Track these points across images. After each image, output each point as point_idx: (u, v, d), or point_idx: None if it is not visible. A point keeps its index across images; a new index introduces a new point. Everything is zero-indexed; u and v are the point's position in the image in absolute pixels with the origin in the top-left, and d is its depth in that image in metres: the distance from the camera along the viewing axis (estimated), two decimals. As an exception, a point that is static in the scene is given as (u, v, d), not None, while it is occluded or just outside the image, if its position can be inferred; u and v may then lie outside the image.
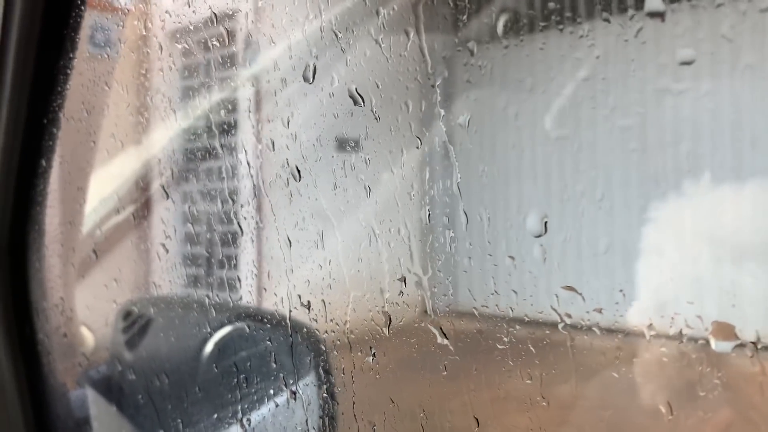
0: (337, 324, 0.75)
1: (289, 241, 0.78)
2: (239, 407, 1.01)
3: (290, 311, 0.79)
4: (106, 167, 1.19)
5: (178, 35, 0.92)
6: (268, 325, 0.93)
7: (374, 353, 0.72)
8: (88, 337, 1.51)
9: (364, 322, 0.72)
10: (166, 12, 0.89)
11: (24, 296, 1.31)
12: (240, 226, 0.91)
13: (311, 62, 0.68)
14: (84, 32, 1.02)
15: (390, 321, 0.70)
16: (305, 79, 0.64)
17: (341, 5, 0.65)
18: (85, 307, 1.41)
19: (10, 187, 1.16)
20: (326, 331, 0.77)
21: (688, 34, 0.47)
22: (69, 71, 1.02)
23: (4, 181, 1.15)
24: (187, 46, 0.93)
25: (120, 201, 1.28)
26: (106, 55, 1.07)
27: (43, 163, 1.15)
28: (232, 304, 1.06)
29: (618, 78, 0.50)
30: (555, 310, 0.56)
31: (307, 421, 0.84)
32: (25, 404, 1.37)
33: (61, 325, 1.37)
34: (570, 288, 0.53)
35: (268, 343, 0.92)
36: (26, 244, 1.26)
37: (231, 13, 0.81)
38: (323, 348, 0.83)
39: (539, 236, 0.56)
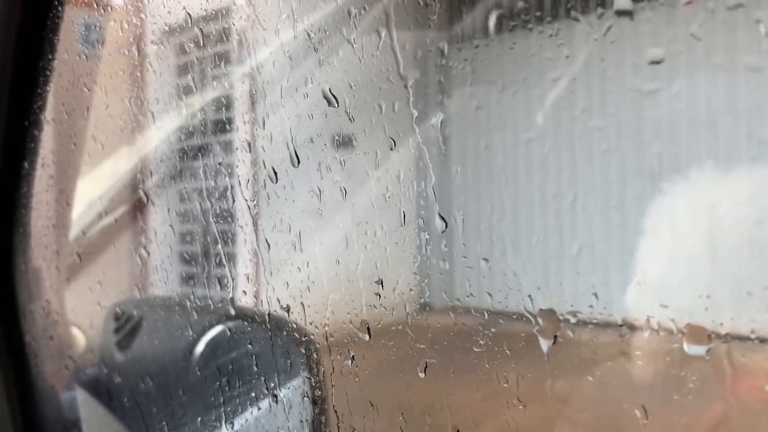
0: (316, 327, 0.74)
1: (268, 243, 0.77)
2: (226, 409, 1.01)
3: (268, 314, 0.78)
4: (91, 169, 1.18)
5: (159, 35, 0.91)
6: (250, 328, 0.93)
7: (353, 356, 0.71)
8: (79, 338, 1.51)
9: (343, 325, 0.71)
10: (149, 13, 0.88)
11: (10, 299, 1.30)
12: (221, 228, 0.91)
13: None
14: (64, 32, 1.01)
15: (368, 324, 0.69)
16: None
17: (314, 5, 0.64)
18: (74, 309, 1.40)
19: (-7, 190, 1.15)
20: (305, 335, 0.76)
21: (658, 33, 0.46)
22: (49, 72, 1.01)
23: (-13, 183, 1.14)
24: (172, 46, 0.92)
25: (106, 203, 1.27)
26: (93, 54, 1.06)
27: (26, 165, 1.14)
28: (214, 306, 1.05)
29: (589, 78, 0.50)
30: (530, 312, 0.55)
31: (288, 425, 0.83)
32: (14, 407, 1.37)
33: (49, 328, 1.36)
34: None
35: (250, 345, 0.92)
36: (11, 247, 1.25)
37: (207, 14, 0.80)
38: (306, 350, 0.82)
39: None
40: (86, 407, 1.48)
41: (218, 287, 0.93)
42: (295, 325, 0.79)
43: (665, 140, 0.48)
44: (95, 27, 1.00)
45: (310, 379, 0.83)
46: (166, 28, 0.84)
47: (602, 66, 0.49)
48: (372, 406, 0.70)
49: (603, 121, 0.49)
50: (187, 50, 0.85)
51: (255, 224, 0.78)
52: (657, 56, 0.46)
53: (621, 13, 0.47)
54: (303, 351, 0.82)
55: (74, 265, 1.29)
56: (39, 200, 1.20)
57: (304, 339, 0.81)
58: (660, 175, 0.49)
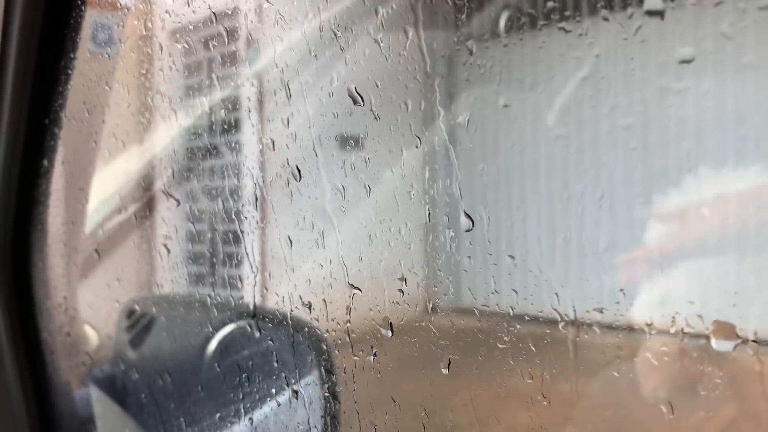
0: (338, 323, 0.75)
1: (290, 240, 0.78)
2: (241, 406, 1.01)
3: (291, 311, 0.79)
4: (108, 167, 1.20)
5: (178, 34, 0.92)
6: (271, 324, 0.93)
7: (375, 352, 0.72)
8: (91, 335, 1.52)
9: (365, 322, 0.72)
10: (167, 11, 0.89)
11: (27, 296, 1.32)
12: (241, 226, 0.91)
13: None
14: (85, 32, 1.02)
15: (391, 320, 0.70)
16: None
17: (340, 4, 0.65)
18: (89, 306, 1.41)
19: (12, 187, 1.16)
20: (327, 331, 0.77)
21: (688, 33, 0.46)
22: (70, 71, 1.02)
23: (7, 181, 1.16)
24: (187, 45, 0.93)
25: (122, 200, 1.28)
26: (106, 54, 1.07)
27: (45, 163, 1.15)
28: (234, 303, 1.06)
29: (618, 77, 0.50)
30: (555, 309, 0.56)
31: (309, 420, 0.84)
32: (30, 403, 1.38)
33: (65, 325, 1.37)
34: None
35: (270, 342, 0.92)
36: (29, 244, 1.27)
37: (231, 12, 0.81)
38: (325, 347, 0.83)
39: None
40: (100, 404, 1.49)
41: (238, 285, 0.94)
42: (310, 322, 0.80)
43: (694, 138, 0.49)
44: (118, 26, 1.01)
45: (327, 375, 0.84)
46: (190, 27, 0.85)
47: (631, 65, 0.49)
48: (394, 401, 0.71)
49: (631, 119, 0.50)
50: (210, 48, 0.85)
51: (277, 221, 0.79)
52: (687, 55, 0.46)
53: (651, 13, 0.47)
54: (319, 347, 0.83)
55: (91, 262, 1.30)
56: (57, 198, 1.21)
57: (320, 336, 0.81)
58: (688, 173, 0.49)
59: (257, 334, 0.95)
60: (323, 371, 0.85)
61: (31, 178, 1.16)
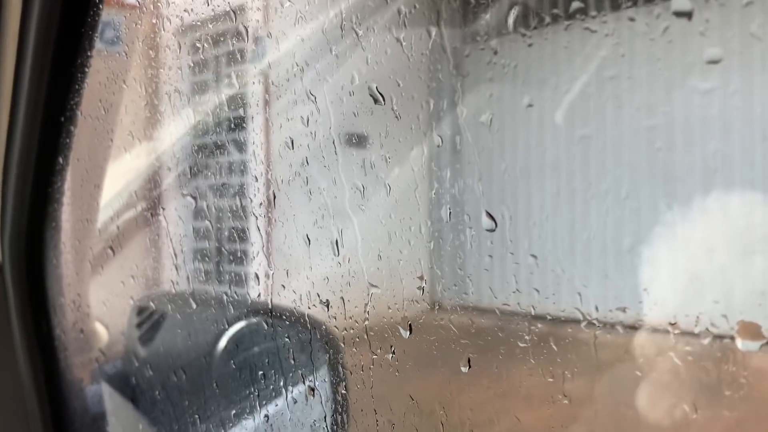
0: (356, 321, 0.75)
1: (308, 239, 0.78)
2: (252, 403, 1.02)
3: (309, 308, 0.79)
4: (123, 164, 1.20)
5: (190, 31, 0.93)
6: (281, 321, 0.94)
7: (394, 350, 0.72)
8: (101, 332, 1.53)
9: (384, 320, 0.72)
10: (185, 10, 0.89)
11: (41, 293, 1.32)
12: (255, 223, 0.92)
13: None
14: (102, 30, 1.02)
15: (410, 319, 0.70)
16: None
17: (362, 3, 0.65)
18: (101, 303, 1.42)
19: (27, 184, 1.17)
20: (345, 329, 0.77)
21: (716, 33, 0.47)
22: (87, 69, 1.03)
23: (22, 178, 1.16)
24: (199, 42, 0.93)
25: (135, 198, 1.29)
26: (123, 53, 1.08)
27: (61, 160, 1.15)
28: (245, 301, 1.07)
29: (644, 77, 0.50)
30: (578, 308, 0.56)
31: (325, 417, 0.84)
32: (42, 399, 1.39)
33: (78, 321, 1.38)
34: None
35: (281, 339, 0.93)
36: (43, 241, 1.27)
37: (246, 9, 0.81)
38: (337, 344, 0.83)
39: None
40: (111, 400, 1.50)
41: (255, 283, 0.94)
42: (331, 320, 0.80)
43: (720, 139, 0.49)
44: (135, 24, 1.01)
45: (342, 371, 0.84)
46: (210, 26, 0.85)
47: (657, 65, 0.49)
48: (412, 400, 0.71)
49: (657, 119, 0.50)
50: (231, 46, 0.86)
51: (295, 220, 0.79)
52: (714, 56, 0.46)
53: (679, 14, 0.47)
54: (334, 345, 0.83)
55: (105, 259, 1.31)
56: (72, 195, 1.21)
57: (330, 335, 0.82)
58: (714, 173, 0.49)
59: (269, 331, 0.96)
60: (335, 368, 0.85)
61: (46, 175, 1.17)
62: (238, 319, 1.10)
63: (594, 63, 0.52)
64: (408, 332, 0.71)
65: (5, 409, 1.35)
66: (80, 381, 1.46)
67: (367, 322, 0.74)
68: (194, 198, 1.04)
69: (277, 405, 0.94)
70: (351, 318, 0.76)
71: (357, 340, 0.76)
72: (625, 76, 0.51)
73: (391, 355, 0.72)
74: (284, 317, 0.91)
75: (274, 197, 0.81)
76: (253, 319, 1.08)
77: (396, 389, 0.73)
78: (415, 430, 0.71)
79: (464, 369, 0.66)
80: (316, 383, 0.86)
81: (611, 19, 0.51)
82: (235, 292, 1.03)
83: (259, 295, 0.93)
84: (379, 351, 0.73)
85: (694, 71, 0.48)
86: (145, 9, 1.10)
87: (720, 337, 0.49)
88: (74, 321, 1.38)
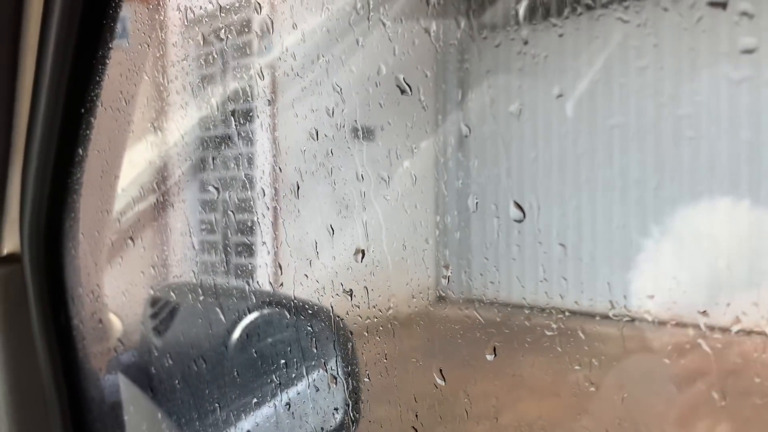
0: (379, 310, 0.76)
1: (332, 228, 0.79)
2: (267, 391, 1.03)
3: (332, 297, 0.80)
4: (140, 155, 1.21)
5: (201, 23, 0.93)
6: (302, 311, 0.95)
7: (417, 339, 0.73)
8: (116, 323, 1.54)
9: (408, 308, 0.73)
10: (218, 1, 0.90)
11: (60, 283, 1.34)
12: (277, 214, 0.92)
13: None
14: (122, 21, 1.03)
15: (435, 307, 0.71)
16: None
17: (390, -6, 0.66)
18: (119, 293, 1.43)
19: (47, 175, 1.18)
20: (368, 317, 0.78)
21: (751, 22, 0.47)
22: (107, 60, 1.03)
23: (42, 169, 1.17)
24: (209, 35, 0.94)
25: (151, 189, 1.30)
26: (138, 45, 1.08)
27: (80, 151, 1.16)
28: (264, 291, 1.07)
29: (677, 66, 0.51)
30: (606, 297, 0.56)
31: (345, 404, 0.85)
32: (60, 388, 1.40)
33: (96, 312, 1.39)
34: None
35: (302, 328, 0.94)
36: (62, 232, 1.28)
37: (274, 3, 0.82)
38: (359, 333, 0.84)
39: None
40: (127, 390, 1.51)
41: (276, 273, 0.95)
42: (333, 310, 0.81)
43: (754, 128, 0.49)
44: (156, 17, 1.02)
45: (353, 360, 0.85)
46: (234, 17, 0.85)
47: (691, 55, 0.50)
48: (436, 387, 0.72)
49: (690, 108, 0.50)
50: (257, 37, 0.86)
51: (320, 210, 0.80)
52: (750, 45, 0.47)
53: (714, 4, 0.47)
54: (352, 335, 0.84)
55: (123, 249, 1.32)
56: (92, 186, 1.22)
57: (342, 324, 0.82)
58: (748, 162, 0.50)
59: (291, 320, 0.97)
60: (361, 357, 0.86)
61: (65, 166, 1.18)
62: (251, 309, 1.11)
63: (626, 53, 0.52)
64: (433, 318, 0.72)
65: (24, 397, 1.37)
66: (98, 370, 1.47)
67: (390, 311, 0.75)
68: (216, 189, 1.05)
69: (298, 393, 0.95)
70: (374, 307, 0.77)
71: (380, 329, 0.77)
72: (657, 66, 0.51)
73: (414, 343, 0.73)
74: (306, 307, 0.91)
75: (298, 188, 0.81)
76: (266, 310, 1.09)
77: (420, 378, 0.74)
78: (440, 419, 0.72)
79: (490, 357, 0.67)
80: (339, 372, 0.87)
81: (644, 8, 0.51)
82: (257, 282, 1.04)
83: (281, 284, 0.94)
84: (403, 340, 0.74)
85: (728, 60, 0.48)
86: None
87: (750, 325, 0.50)
88: (92, 311, 1.39)
